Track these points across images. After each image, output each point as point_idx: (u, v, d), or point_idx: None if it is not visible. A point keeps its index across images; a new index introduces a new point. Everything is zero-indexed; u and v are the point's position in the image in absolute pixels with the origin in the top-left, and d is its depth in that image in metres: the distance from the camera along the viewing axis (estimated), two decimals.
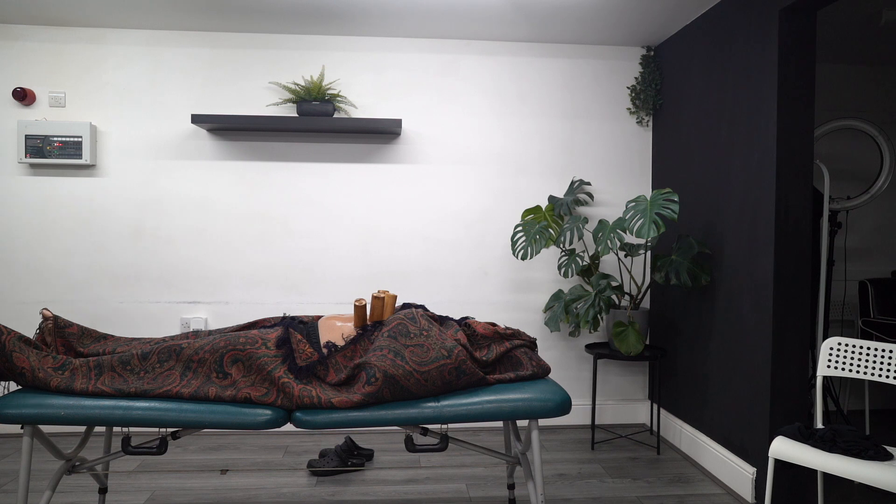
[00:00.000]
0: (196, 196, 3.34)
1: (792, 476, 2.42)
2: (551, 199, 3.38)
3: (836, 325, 3.85)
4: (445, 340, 1.92)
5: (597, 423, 3.55)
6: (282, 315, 3.28)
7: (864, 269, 3.88)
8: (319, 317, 2.22)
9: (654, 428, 3.44)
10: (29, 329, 3.29)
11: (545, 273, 3.51)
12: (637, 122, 3.53)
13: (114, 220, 3.32)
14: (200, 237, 3.35)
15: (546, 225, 3.18)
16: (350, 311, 3.40)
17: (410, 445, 1.90)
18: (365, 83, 3.40)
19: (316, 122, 3.17)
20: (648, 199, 2.85)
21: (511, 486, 2.44)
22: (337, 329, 2.04)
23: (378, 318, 2.05)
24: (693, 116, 3.07)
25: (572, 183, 3.39)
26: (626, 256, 3.15)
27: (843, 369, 2.20)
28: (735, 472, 2.62)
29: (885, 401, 3.92)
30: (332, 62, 3.38)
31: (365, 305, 2.04)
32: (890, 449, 1.95)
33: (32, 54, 3.26)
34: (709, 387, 2.89)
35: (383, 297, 2.05)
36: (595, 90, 3.50)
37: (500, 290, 3.49)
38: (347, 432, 3.39)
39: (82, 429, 3.29)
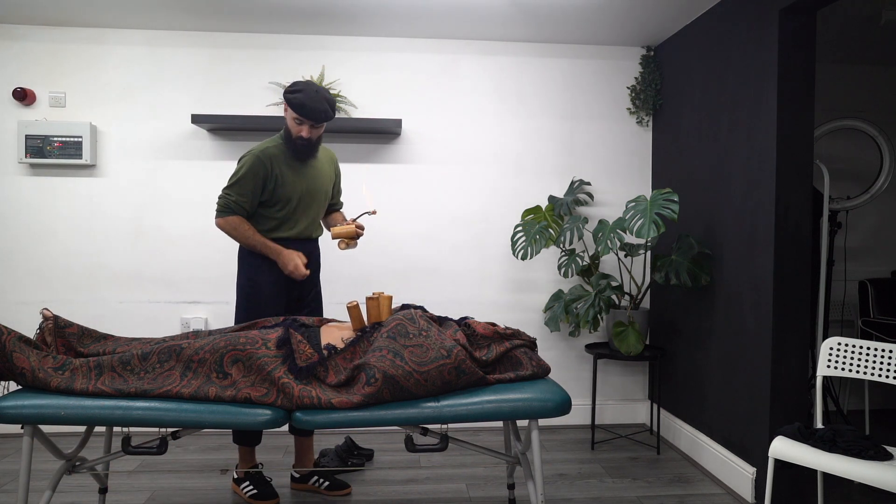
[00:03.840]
0: (196, 196, 3.34)
1: (792, 476, 2.42)
2: (551, 199, 3.38)
3: (836, 325, 3.84)
4: (445, 340, 1.92)
5: (597, 423, 3.55)
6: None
7: (864, 269, 3.88)
8: (321, 319, 2.23)
9: (654, 428, 3.44)
10: (29, 329, 3.29)
11: (545, 273, 3.51)
12: (637, 122, 3.53)
13: (114, 220, 3.32)
14: (200, 237, 3.35)
15: (546, 225, 3.18)
16: None
17: (410, 445, 1.90)
18: (365, 83, 3.40)
19: None
20: (648, 199, 2.85)
21: (511, 486, 2.44)
22: (337, 333, 2.04)
23: (376, 320, 2.05)
24: (693, 116, 3.07)
25: (572, 183, 3.39)
26: (626, 256, 3.15)
27: (843, 369, 2.20)
28: (735, 472, 2.62)
29: (885, 401, 3.92)
30: (332, 62, 3.38)
31: (357, 306, 2.04)
32: (890, 449, 1.95)
33: (32, 54, 3.26)
34: (709, 387, 2.89)
35: (377, 298, 2.05)
36: (595, 90, 3.50)
37: (500, 290, 3.49)
38: (347, 432, 3.39)
39: (82, 429, 3.28)
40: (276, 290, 2.44)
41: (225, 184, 2.42)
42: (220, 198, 2.37)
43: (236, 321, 2.48)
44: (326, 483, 2.58)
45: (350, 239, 2.37)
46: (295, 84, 2.33)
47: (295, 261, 2.36)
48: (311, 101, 2.29)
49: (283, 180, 2.39)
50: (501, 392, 1.90)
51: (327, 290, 3.40)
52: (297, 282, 2.50)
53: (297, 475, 2.62)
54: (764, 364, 2.45)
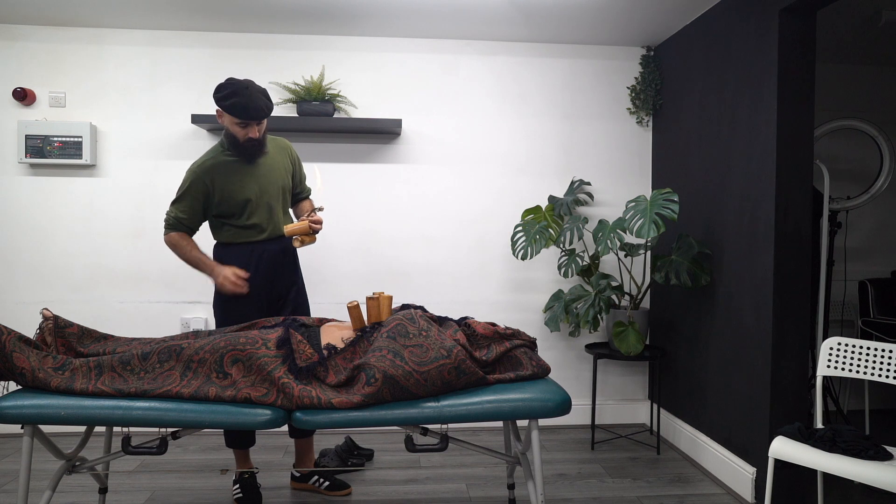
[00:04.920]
0: None
1: (792, 476, 2.42)
2: (551, 199, 3.38)
3: (836, 325, 3.84)
4: (444, 340, 1.92)
5: (597, 423, 3.55)
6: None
7: (864, 269, 3.88)
8: (320, 319, 2.22)
9: (654, 428, 3.44)
10: (29, 329, 3.29)
11: (545, 273, 3.51)
12: (637, 122, 3.53)
13: (114, 220, 3.32)
14: (200, 237, 3.33)
15: (546, 225, 3.18)
16: None
17: (410, 445, 1.90)
18: (365, 83, 3.40)
19: (316, 122, 3.17)
20: (648, 199, 2.85)
21: (511, 486, 2.44)
22: (337, 333, 2.04)
23: (376, 320, 2.05)
24: (693, 116, 3.07)
25: (572, 183, 3.39)
26: (626, 256, 3.15)
27: (843, 369, 2.20)
28: (735, 472, 2.62)
29: (885, 401, 3.91)
30: (332, 62, 3.38)
31: (358, 306, 2.03)
32: (890, 449, 1.95)
33: (32, 54, 3.26)
34: (709, 387, 2.89)
35: (378, 298, 2.05)
36: (595, 90, 3.50)
37: (500, 290, 3.49)
38: (347, 432, 3.39)
39: (82, 429, 3.28)
40: (252, 291, 2.38)
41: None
42: (165, 214, 2.37)
43: (217, 325, 2.43)
44: (326, 483, 2.58)
45: (305, 235, 2.27)
46: (222, 88, 2.21)
47: (227, 276, 2.26)
48: (250, 101, 2.20)
49: (230, 189, 2.33)
50: (501, 392, 1.90)
51: (327, 291, 3.40)
52: (274, 278, 2.45)
53: (297, 475, 2.62)
54: (764, 364, 2.45)
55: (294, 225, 2.26)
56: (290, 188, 2.53)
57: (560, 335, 3.52)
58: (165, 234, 2.37)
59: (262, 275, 2.41)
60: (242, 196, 2.35)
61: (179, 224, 2.35)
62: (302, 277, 2.61)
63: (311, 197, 2.39)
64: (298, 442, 2.57)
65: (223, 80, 2.27)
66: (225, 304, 2.40)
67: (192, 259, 2.34)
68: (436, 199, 3.45)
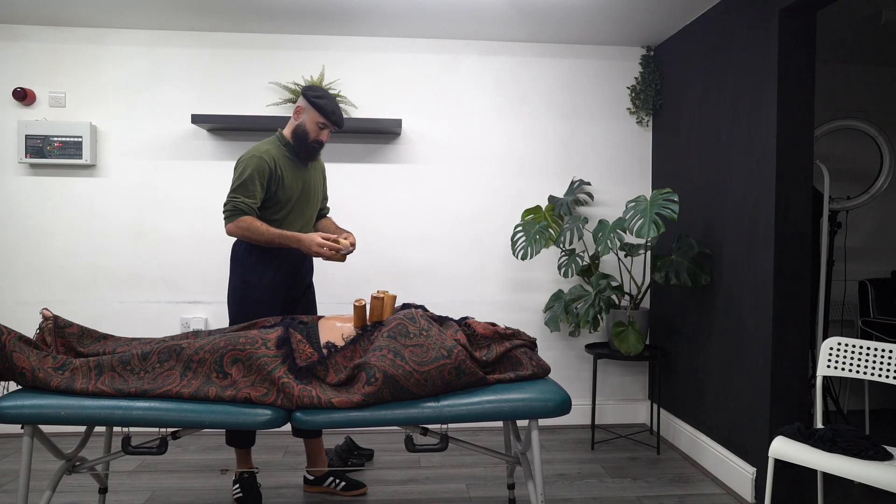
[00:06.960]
0: (196, 196, 3.34)
1: (792, 476, 2.42)
2: (551, 199, 3.38)
3: (836, 325, 3.84)
4: (445, 340, 1.92)
5: (597, 423, 3.55)
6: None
7: (864, 269, 3.88)
8: (320, 317, 2.22)
9: (654, 428, 3.44)
10: (29, 329, 3.29)
11: (545, 273, 3.51)
12: (637, 122, 3.53)
13: (114, 220, 3.32)
14: (200, 237, 3.35)
15: (546, 225, 3.18)
16: (350, 311, 3.40)
17: (410, 445, 1.90)
18: (365, 83, 3.40)
19: None
20: (648, 199, 2.86)
21: (511, 486, 2.44)
22: (337, 329, 2.04)
23: (378, 319, 2.05)
24: (693, 116, 3.07)
25: (572, 183, 3.39)
26: (626, 256, 3.15)
27: (843, 369, 2.20)
28: (735, 472, 2.62)
29: (885, 401, 3.92)
30: (332, 62, 3.38)
31: (364, 305, 2.03)
32: (890, 449, 1.95)
33: (32, 54, 3.26)
34: (709, 387, 2.89)
35: (382, 298, 2.05)
36: (595, 90, 3.50)
37: (500, 290, 3.49)
38: (347, 432, 3.39)
39: (82, 429, 3.28)
40: (270, 291, 2.39)
41: (229, 189, 2.39)
42: (226, 203, 2.30)
43: (230, 323, 2.43)
44: (343, 483, 2.57)
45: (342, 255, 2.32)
46: (315, 89, 2.35)
47: (317, 241, 2.24)
48: (337, 108, 2.37)
49: (284, 181, 2.37)
50: (501, 392, 1.90)
51: (327, 291, 3.40)
52: (293, 282, 2.47)
53: (310, 477, 2.60)
54: (764, 364, 2.45)
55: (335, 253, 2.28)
56: (319, 200, 2.61)
57: (560, 335, 3.52)
58: (230, 222, 2.28)
59: (283, 275, 2.43)
60: (289, 193, 2.40)
61: (249, 209, 2.29)
62: (313, 283, 2.65)
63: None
64: (309, 444, 2.55)
65: (311, 85, 2.41)
66: (241, 302, 2.39)
67: (274, 237, 2.28)
68: (436, 199, 3.45)
